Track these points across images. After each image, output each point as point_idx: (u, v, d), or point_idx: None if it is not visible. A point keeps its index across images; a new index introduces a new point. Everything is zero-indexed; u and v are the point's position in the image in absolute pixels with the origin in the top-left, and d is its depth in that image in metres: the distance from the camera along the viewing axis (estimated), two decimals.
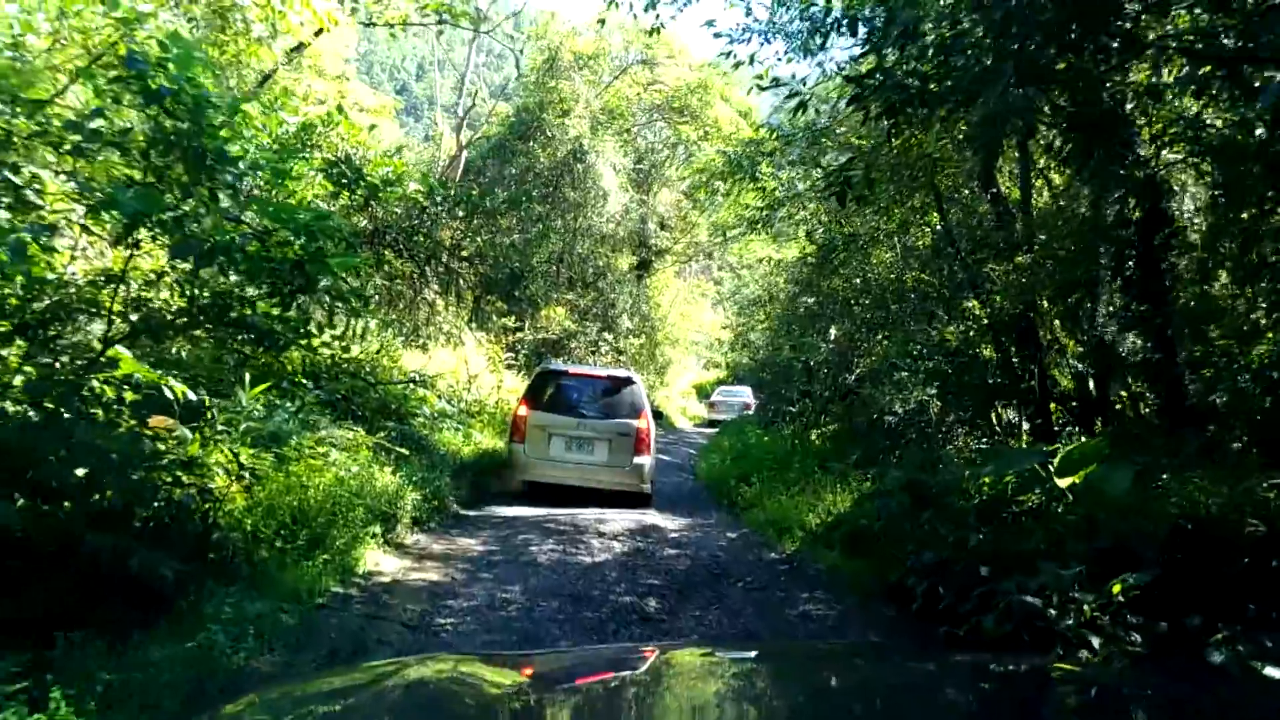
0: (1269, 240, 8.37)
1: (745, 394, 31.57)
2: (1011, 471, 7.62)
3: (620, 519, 9.90)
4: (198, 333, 5.53)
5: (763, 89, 8.95)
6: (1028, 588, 5.12)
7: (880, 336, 14.30)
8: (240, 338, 5.24)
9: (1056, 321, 11.81)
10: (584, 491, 10.69)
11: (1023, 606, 4.89)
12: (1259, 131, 7.30)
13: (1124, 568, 5.18)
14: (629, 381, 11.65)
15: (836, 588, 7.10)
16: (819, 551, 8.13)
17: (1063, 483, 7.57)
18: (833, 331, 16.81)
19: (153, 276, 5.26)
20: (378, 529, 7.17)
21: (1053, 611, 4.87)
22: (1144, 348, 10.20)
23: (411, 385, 12.99)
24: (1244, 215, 8.78)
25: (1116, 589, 5.01)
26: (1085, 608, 4.83)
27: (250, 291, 5.47)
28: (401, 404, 12.18)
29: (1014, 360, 11.78)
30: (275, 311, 5.39)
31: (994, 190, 12.45)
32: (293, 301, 5.15)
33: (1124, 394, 11.37)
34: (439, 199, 9.99)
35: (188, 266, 5.01)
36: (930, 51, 4.78)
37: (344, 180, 9.66)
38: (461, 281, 10.93)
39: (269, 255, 4.78)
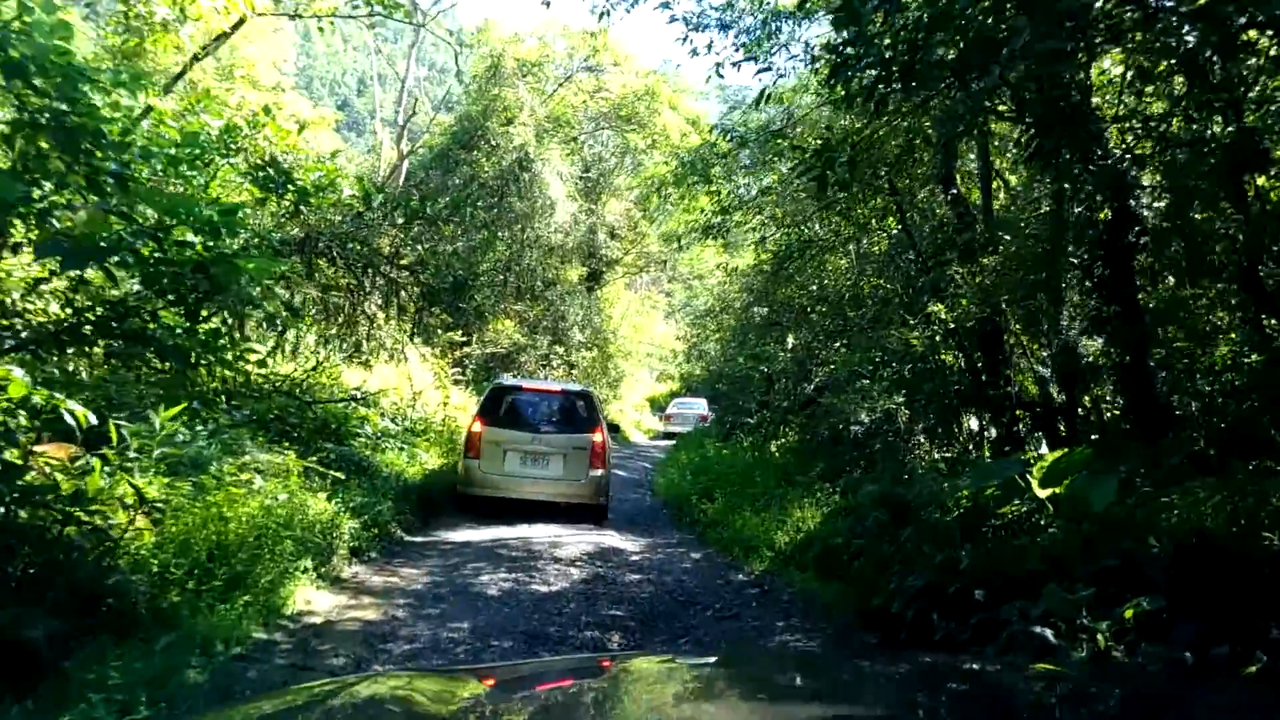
0: (1218, 240, 8.13)
1: (700, 406, 31.14)
2: (992, 483, 7.18)
3: (577, 541, 9.29)
4: (96, 349, 4.81)
5: (721, 75, 8.43)
6: (1031, 614, 4.63)
7: (838, 344, 13.89)
8: (141, 353, 4.54)
9: (1019, 325, 11.49)
10: (539, 507, 10.55)
11: (1029, 638, 4.40)
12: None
13: (1128, 589, 4.73)
14: (583, 395, 11.66)
15: (813, 614, 6.59)
16: (790, 573, 7.61)
17: (1042, 493, 7.16)
18: (790, 340, 16.39)
19: (32, 283, 4.55)
20: (309, 563, 6.47)
21: (1062, 642, 4.38)
22: (1112, 351, 9.89)
23: (351, 403, 12.27)
24: (1195, 216, 8.57)
25: (1129, 614, 4.55)
26: (1100, 637, 4.34)
27: (158, 302, 4.81)
28: (341, 424, 11.46)
29: (979, 366, 11.45)
30: (183, 324, 4.72)
31: (954, 191, 12.12)
32: (199, 312, 4.47)
33: (1087, 400, 11.09)
34: (376, 205, 9.32)
35: (75, 272, 4.33)
36: (918, 20, 4.29)
37: (271, 184, 8.97)
38: (403, 293, 10.23)
39: (166, 257, 4.11)
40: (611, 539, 9.70)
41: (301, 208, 9.26)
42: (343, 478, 8.34)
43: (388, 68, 40.40)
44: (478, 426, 10.82)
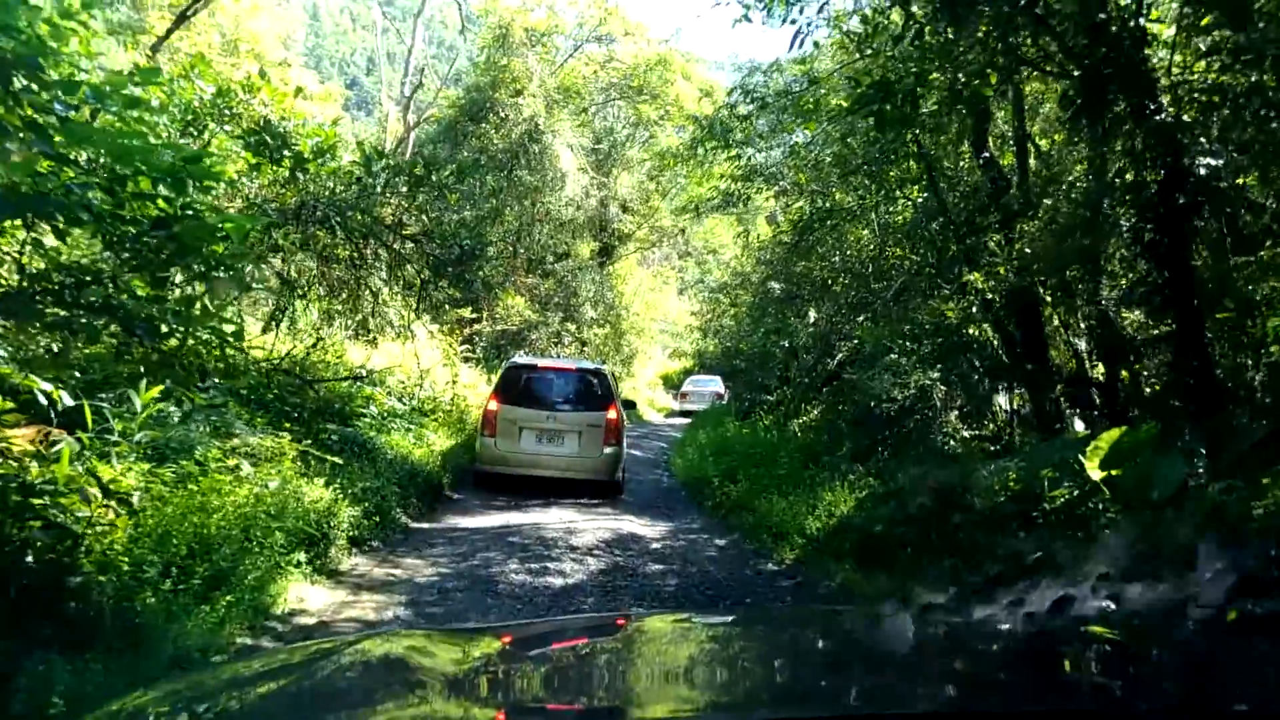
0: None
1: (716, 383, 30.66)
2: (1048, 466, 6.59)
3: (594, 527, 8.75)
4: (48, 318, 4.24)
5: (749, 20, 7.80)
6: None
7: (863, 318, 13.26)
8: (103, 325, 3.98)
9: (1056, 296, 10.84)
10: (554, 485, 10.64)
11: None
12: None
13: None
14: (597, 373, 11.75)
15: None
16: (825, 562, 7.04)
17: (1096, 474, 6.56)
18: (811, 314, 15.77)
19: None
20: (302, 556, 5.94)
21: None
22: (1159, 322, 9.26)
23: (356, 382, 11.74)
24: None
25: (1232, 616, 3.96)
26: None
27: (122, 267, 4.24)
28: (346, 404, 10.95)
29: (1015, 339, 10.82)
30: (150, 292, 4.15)
31: (986, 155, 11.46)
32: (165, 278, 3.91)
33: (1125, 374, 10.47)
34: (378, 170, 8.73)
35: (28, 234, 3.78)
36: None
37: (266, 149, 8.40)
38: (409, 266, 9.64)
39: (122, 212, 3.54)
40: (630, 524, 9.15)
41: (298, 174, 8.68)
42: (341, 462, 7.78)
43: (398, 44, 39.70)
44: (494, 405, 10.88)
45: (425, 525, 8.62)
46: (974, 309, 10.11)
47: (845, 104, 12.81)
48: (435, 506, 9.38)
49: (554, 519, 9.13)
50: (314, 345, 10.07)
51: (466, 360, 17.65)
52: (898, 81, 4.92)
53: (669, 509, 10.76)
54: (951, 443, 10.35)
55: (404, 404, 12.92)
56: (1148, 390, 10.33)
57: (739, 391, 20.71)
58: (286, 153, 8.36)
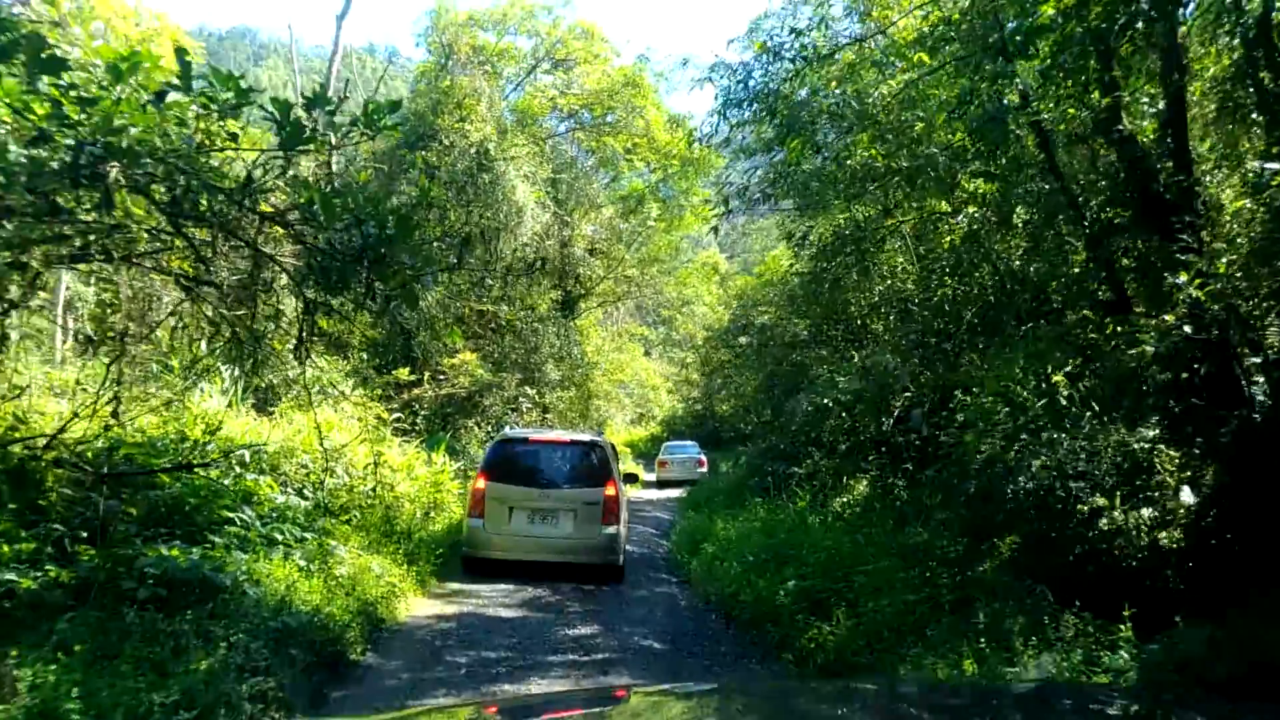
0: None
1: (694, 450, 28.51)
2: None
3: None
4: None
5: None
6: None
7: (965, 358, 9.58)
8: None
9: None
10: (547, 570, 9.70)
11: None
12: None
13: None
14: (594, 445, 10.74)
15: None
16: None
17: None
18: (856, 359, 12.08)
19: None
20: None
21: None
22: None
23: (225, 469, 7.81)
24: None
25: None
26: None
27: None
28: (207, 505, 7.03)
29: (1197, 386, 7.25)
30: None
31: (1120, 129, 8.03)
32: None
33: None
34: (227, 105, 4.89)
35: None
36: None
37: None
38: (278, 272, 5.59)
39: None
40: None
41: (87, 111, 4.77)
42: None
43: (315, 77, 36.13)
44: (481, 483, 10.09)
45: None
46: (1185, 327, 6.45)
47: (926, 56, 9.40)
48: (325, 694, 5.33)
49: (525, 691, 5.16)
50: (115, 413, 6.04)
51: (404, 434, 13.64)
52: None
53: (707, 657, 6.82)
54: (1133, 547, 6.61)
55: (308, 498, 8.94)
56: None
57: (753, 461, 16.84)
58: (18, 55, 4.60)
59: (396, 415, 12.94)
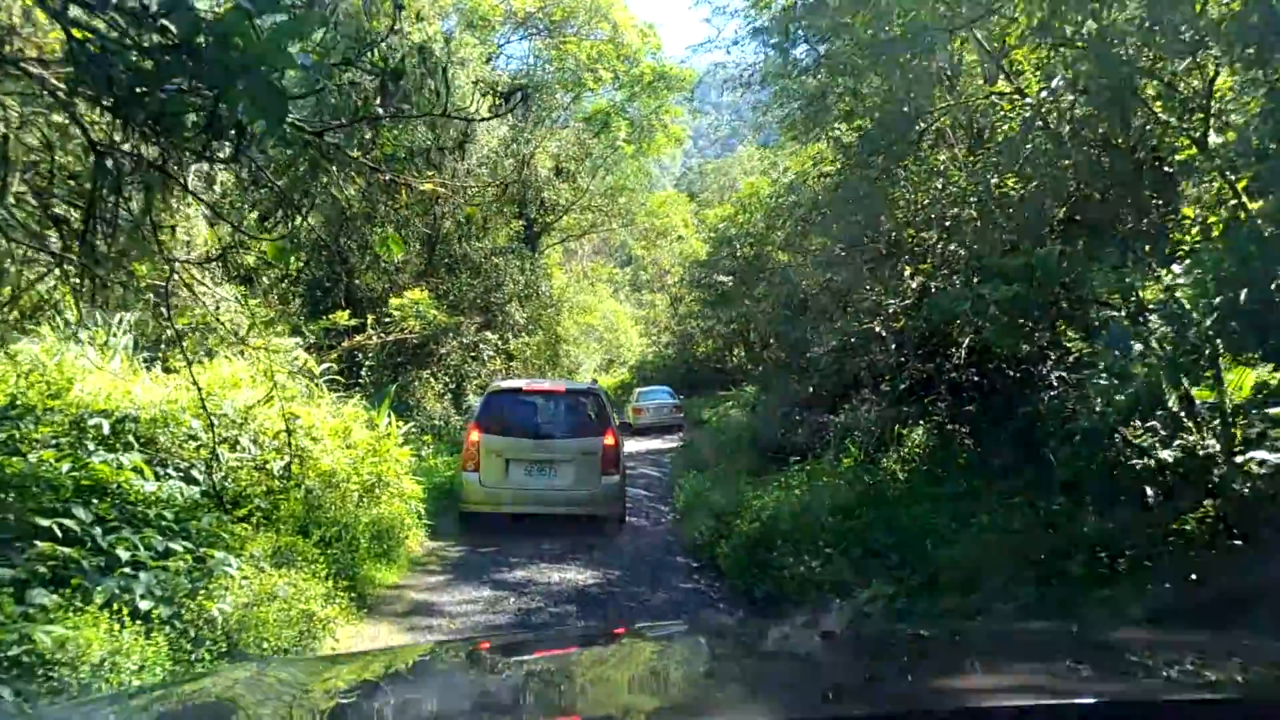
0: None
1: (666, 394, 27.09)
2: None
3: None
4: None
5: None
6: None
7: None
8: None
9: None
10: (546, 524, 9.40)
11: None
12: None
13: None
14: (590, 393, 10.80)
15: None
16: None
17: None
18: (907, 275, 9.56)
19: None
20: None
21: None
22: None
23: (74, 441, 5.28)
24: None
25: None
26: None
27: None
28: (23, 502, 4.47)
29: None
30: None
31: None
32: None
33: None
34: None
35: None
36: None
37: None
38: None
39: None
40: None
41: None
42: None
43: None
44: (475, 435, 9.82)
45: None
46: None
47: None
48: None
49: None
50: None
51: (344, 389, 10.95)
52: None
53: None
54: None
55: (199, 482, 6.31)
56: None
57: (756, 407, 14.38)
58: None
59: (326, 366, 10.24)
